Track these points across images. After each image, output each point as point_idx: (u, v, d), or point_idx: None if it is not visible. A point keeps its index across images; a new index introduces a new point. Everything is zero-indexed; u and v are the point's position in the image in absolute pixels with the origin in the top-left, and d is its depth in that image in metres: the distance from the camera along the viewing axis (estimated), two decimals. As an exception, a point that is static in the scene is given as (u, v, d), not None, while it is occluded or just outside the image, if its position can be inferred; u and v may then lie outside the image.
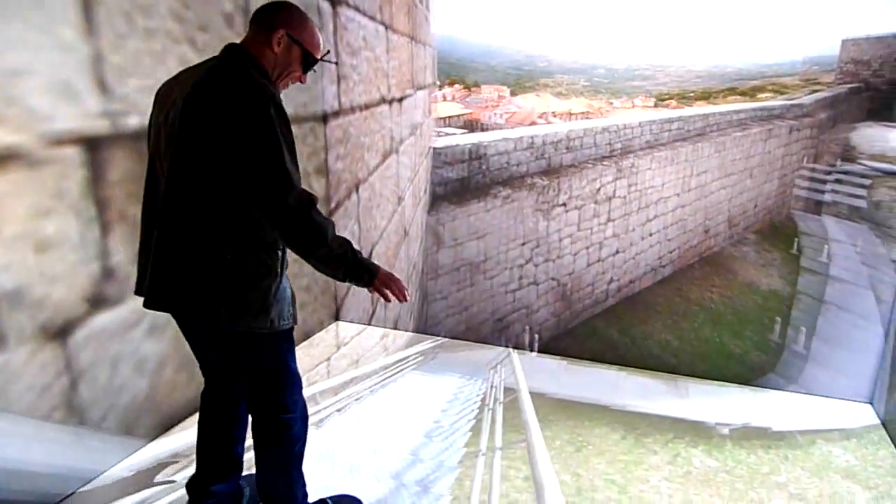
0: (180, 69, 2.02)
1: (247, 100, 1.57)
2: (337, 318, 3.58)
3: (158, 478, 2.29)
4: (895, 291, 2.37)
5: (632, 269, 2.77)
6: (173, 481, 2.28)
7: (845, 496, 2.29)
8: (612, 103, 2.59)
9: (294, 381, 1.94)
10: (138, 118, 2.09)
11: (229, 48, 1.73)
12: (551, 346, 3.08)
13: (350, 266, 1.66)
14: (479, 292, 3.10)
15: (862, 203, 2.35)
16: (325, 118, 3.29)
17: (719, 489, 2.33)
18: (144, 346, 2.27)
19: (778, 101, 2.40)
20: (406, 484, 2.25)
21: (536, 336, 3.03)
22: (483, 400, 2.88)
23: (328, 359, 3.27)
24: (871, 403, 2.57)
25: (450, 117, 2.85)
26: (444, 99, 2.84)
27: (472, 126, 2.83)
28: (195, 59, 2.25)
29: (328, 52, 1.93)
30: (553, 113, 2.66)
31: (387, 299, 1.73)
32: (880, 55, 2.19)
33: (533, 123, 2.75)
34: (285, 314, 1.81)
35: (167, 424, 2.47)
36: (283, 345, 1.87)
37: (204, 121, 1.60)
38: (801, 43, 2.23)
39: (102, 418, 2.24)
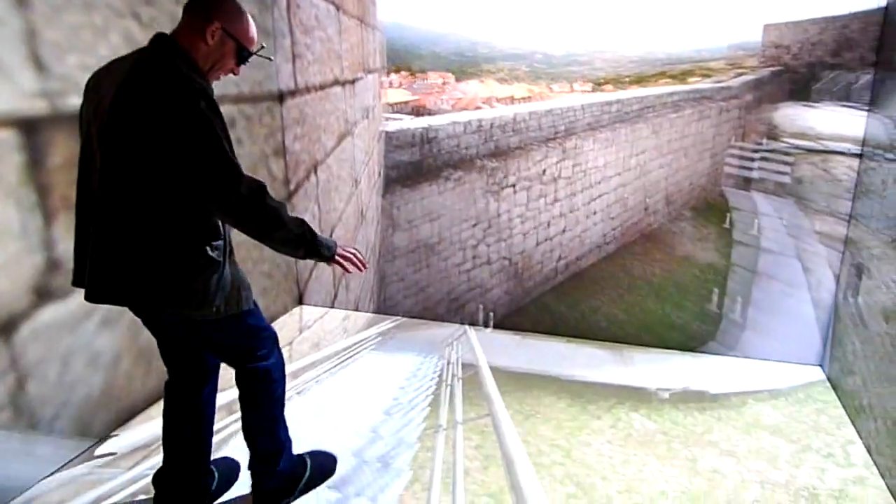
0: (128, 45, 2.07)
1: (176, 96, 1.55)
2: (300, 302, 3.57)
3: (118, 472, 2.21)
4: (840, 259, 2.47)
5: (578, 246, 2.80)
6: (133, 476, 2.21)
7: (770, 450, 2.43)
8: (551, 88, 2.59)
9: (265, 336, 2.01)
10: (80, 98, 1.98)
11: (158, 39, 1.71)
12: (505, 323, 3.12)
13: (308, 244, 1.70)
14: (434, 273, 3.11)
15: (786, 179, 2.44)
16: (281, 97, 3.21)
17: (656, 449, 2.44)
18: (98, 339, 2.16)
19: (707, 84, 2.45)
20: (367, 460, 2.28)
21: (491, 314, 3.07)
22: (440, 376, 2.91)
23: (290, 343, 3.17)
24: (820, 366, 2.70)
25: (398, 103, 2.82)
26: (392, 85, 2.81)
27: (419, 112, 2.82)
28: (140, 34, 2.17)
29: (262, 47, 1.92)
30: (496, 98, 2.66)
31: (347, 270, 1.80)
32: (798, 40, 2.28)
33: (477, 108, 2.73)
34: (232, 300, 1.83)
35: (126, 418, 2.38)
36: (244, 320, 1.91)
37: (134, 119, 1.58)
38: (727, 29, 2.28)
39: (55, 417, 2.13)
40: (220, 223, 1.80)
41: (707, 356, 2.87)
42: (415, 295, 3.15)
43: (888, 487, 2.25)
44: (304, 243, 1.71)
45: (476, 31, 2.69)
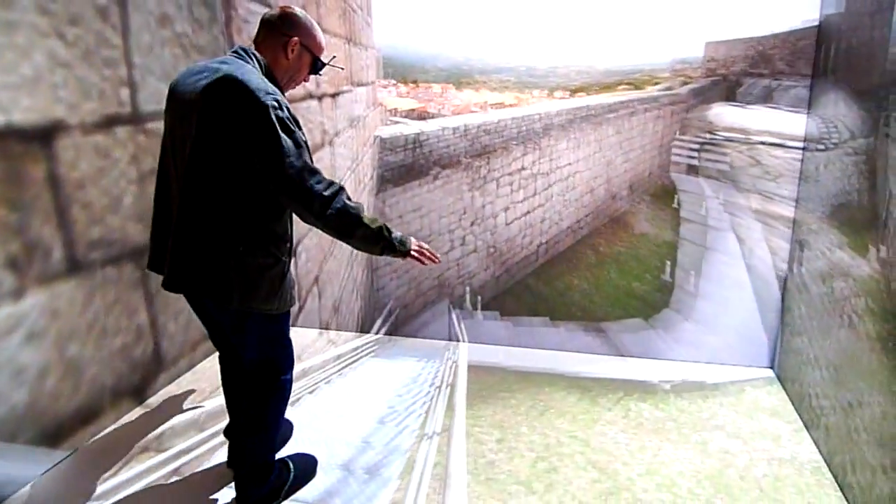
0: (51, 64, 2.07)
1: (256, 106, 1.61)
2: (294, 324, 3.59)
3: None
4: (791, 240, 2.79)
5: (555, 232, 3.06)
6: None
7: (772, 430, 2.60)
8: (534, 95, 2.88)
9: (290, 348, 2.14)
10: (2, 116, 1.97)
11: (241, 51, 1.80)
12: (492, 304, 3.26)
13: (386, 240, 1.79)
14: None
15: (724, 166, 2.83)
16: None
17: (668, 435, 2.58)
18: (22, 354, 2.06)
19: (659, 91, 2.80)
20: (354, 470, 2.28)
21: (479, 297, 3.24)
22: (437, 381, 2.99)
23: None
24: (771, 370, 2.97)
25: (406, 110, 3.03)
26: (401, 95, 3.02)
27: (423, 116, 3.04)
28: (66, 53, 2.14)
29: (334, 56, 2.06)
30: (488, 104, 2.93)
31: (423, 263, 1.90)
32: (732, 55, 2.70)
33: (471, 112, 2.99)
34: (288, 298, 1.95)
35: (52, 435, 2.23)
36: (284, 321, 2.06)
37: (220, 127, 1.66)
38: (675, 46, 2.69)
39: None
40: (289, 227, 1.91)
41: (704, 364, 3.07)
42: (405, 283, 3.25)
43: (816, 440, 2.53)
44: (382, 239, 1.78)
45: (471, 49, 2.95)
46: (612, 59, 2.82)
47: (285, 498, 2.20)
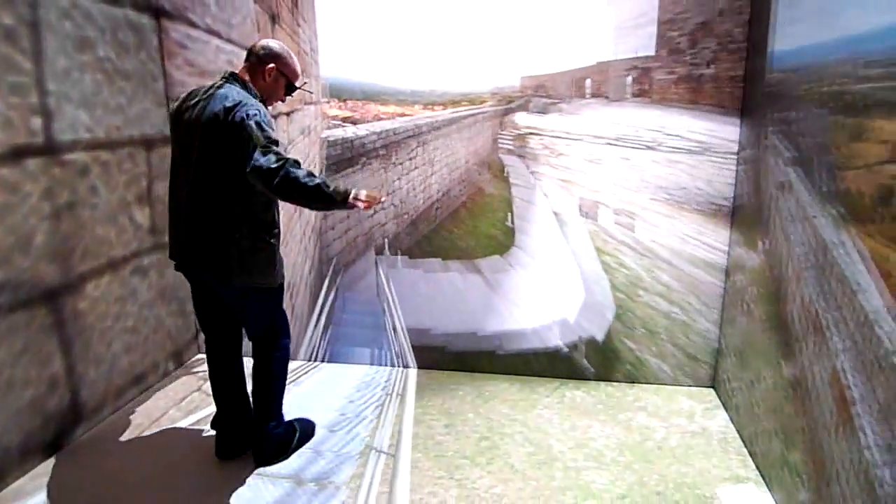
0: None
1: (239, 114, 1.84)
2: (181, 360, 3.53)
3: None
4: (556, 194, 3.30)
5: (445, 200, 3.56)
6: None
7: (688, 409, 2.78)
8: (417, 108, 3.44)
9: (286, 317, 2.30)
10: None
11: (229, 74, 2.02)
12: (395, 243, 3.62)
13: (325, 195, 1.85)
14: (356, 223, 3.64)
15: (528, 149, 3.39)
16: (148, 143, 2.90)
17: (597, 416, 2.72)
18: None
19: (488, 107, 3.38)
20: (303, 480, 2.19)
21: (387, 240, 3.65)
22: (391, 385, 3.19)
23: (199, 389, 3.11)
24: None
25: (342, 117, 3.51)
26: (339, 108, 3.47)
27: (353, 121, 3.51)
28: None
29: (305, 82, 2.41)
30: (391, 114, 3.45)
31: (365, 208, 1.93)
32: (535, 84, 3.29)
33: (379, 119, 3.49)
34: (277, 274, 2.14)
35: None
36: (279, 293, 2.22)
37: (216, 136, 1.87)
38: (496, 78, 3.32)
39: None
40: (276, 215, 2.06)
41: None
42: (342, 238, 3.64)
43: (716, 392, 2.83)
44: (322, 196, 1.83)
45: (382, 77, 3.44)
46: (459, 86, 3.37)
47: (293, 452, 2.35)
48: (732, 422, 2.54)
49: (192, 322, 3.31)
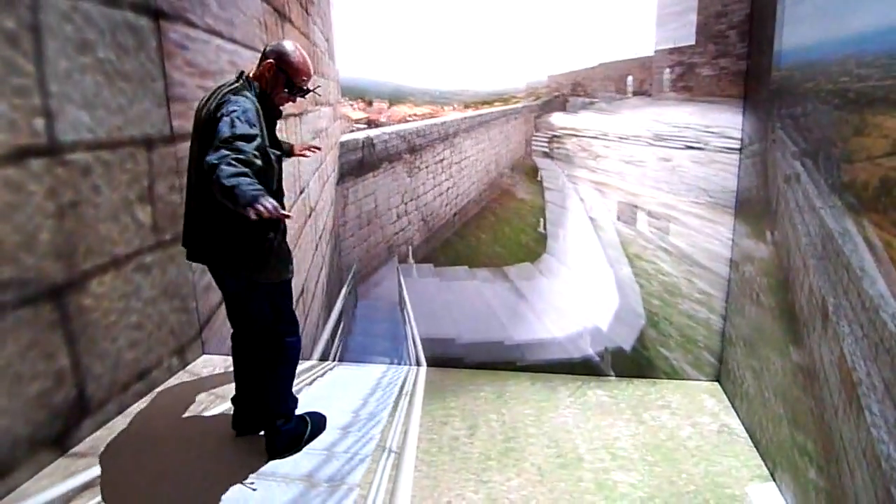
0: None
1: (225, 107, 1.85)
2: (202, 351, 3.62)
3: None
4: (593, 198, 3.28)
5: (465, 203, 3.49)
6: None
7: (710, 407, 2.75)
8: (444, 108, 3.34)
9: (293, 316, 2.30)
10: None
11: (238, 73, 2.09)
12: (422, 255, 3.54)
13: (235, 203, 1.69)
14: (375, 230, 3.53)
15: (565, 151, 3.32)
16: (149, 143, 2.93)
17: (612, 412, 2.70)
18: None
19: (520, 105, 3.31)
20: (316, 482, 2.18)
21: (411, 247, 3.56)
22: (402, 385, 3.13)
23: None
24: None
25: (359, 119, 3.42)
26: (355, 109, 3.38)
27: (371, 123, 3.41)
28: None
29: (318, 86, 2.27)
30: (415, 115, 3.37)
31: (261, 216, 1.68)
32: (566, 82, 3.23)
33: (403, 121, 3.39)
34: (281, 269, 2.16)
35: None
36: (283, 289, 2.24)
37: (208, 128, 1.87)
38: (527, 76, 3.23)
39: None
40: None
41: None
42: (361, 245, 3.55)
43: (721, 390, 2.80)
44: (234, 203, 1.69)
45: (402, 78, 3.36)
46: (490, 85, 3.29)
47: (304, 446, 2.39)
48: (736, 410, 2.60)
49: (194, 319, 3.36)
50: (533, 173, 3.45)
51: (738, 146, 2.97)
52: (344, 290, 3.59)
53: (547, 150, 3.36)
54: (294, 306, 2.35)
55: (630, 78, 3.13)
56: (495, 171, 3.49)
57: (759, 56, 2.47)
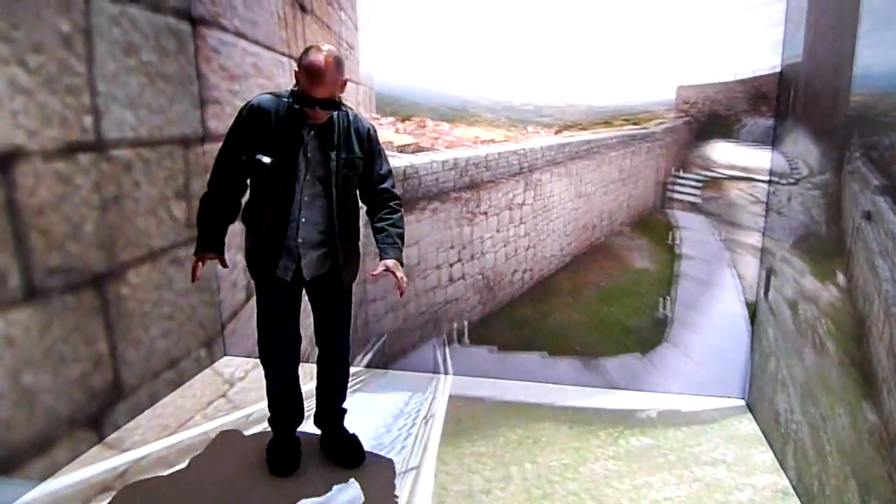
0: (11, 91, 2.08)
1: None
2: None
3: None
4: (757, 275, 2.81)
5: (539, 260, 3.12)
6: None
7: (756, 455, 2.64)
8: (524, 132, 2.97)
9: (269, 332, 2.37)
10: None
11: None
12: (479, 328, 3.22)
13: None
14: (414, 291, 3.18)
15: (718, 200, 2.86)
16: (185, 142, 3.17)
17: (653, 462, 2.59)
18: None
19: (636, 130, 2.90)
20: None
21: (466, 322, 3.19)
22: (425, 413, 2.93)
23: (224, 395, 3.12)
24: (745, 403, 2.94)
25: (404, 145, 3.08)
26: (398, 132, 3.07)
27: (420, 150, 3.09)
28: (28, 81, 2.15)
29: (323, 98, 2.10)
30: (480, 139, 3.01)
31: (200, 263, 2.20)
32: (699, 97, 2.81)
33: (463, 147, 3.05)
34: (254, 267, 2.25)
35: (4, 464, 2.17)
36: (261, 295, 2.31)
37: None
38: (649, 90, 2.81)
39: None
40: (263, 211, 2.14)
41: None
42: (396, 311, 3.21)
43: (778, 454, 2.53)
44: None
45: (466, 88, 3.02)
46: (590, 101, 2.91)
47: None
48: (781, 461, 2.58)
49: (218, 315, 3.63)
50: (664, 232, 3.04)
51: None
52: (362, 365, 3.33)
53: (695, 198, 2.91)
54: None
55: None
56: (604, 227, 3.15)
57: (833, 79, 2.40)
